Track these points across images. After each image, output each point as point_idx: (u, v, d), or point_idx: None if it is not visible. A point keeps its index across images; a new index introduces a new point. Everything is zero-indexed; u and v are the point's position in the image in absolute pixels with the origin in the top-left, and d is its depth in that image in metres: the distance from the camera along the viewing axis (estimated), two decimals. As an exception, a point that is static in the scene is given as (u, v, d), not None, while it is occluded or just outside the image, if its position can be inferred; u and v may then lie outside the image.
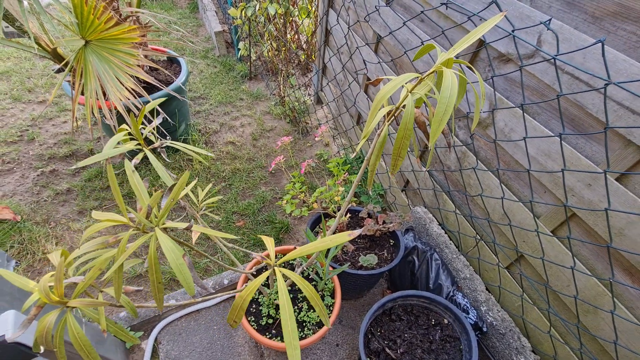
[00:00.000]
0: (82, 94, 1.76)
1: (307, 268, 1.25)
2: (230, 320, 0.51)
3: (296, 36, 3.20)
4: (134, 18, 1.22)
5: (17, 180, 2.00)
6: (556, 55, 0.79)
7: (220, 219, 1.92)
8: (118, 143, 0.71)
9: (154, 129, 0.77)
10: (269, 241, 0.65)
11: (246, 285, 0.54)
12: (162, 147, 0.77)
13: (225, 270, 1.59)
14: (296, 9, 2.87)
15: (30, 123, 2.34)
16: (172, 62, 2.23)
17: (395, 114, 0.62)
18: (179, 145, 0.77)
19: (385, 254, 1.39)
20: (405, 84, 0.55)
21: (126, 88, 1.21)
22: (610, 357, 0.95)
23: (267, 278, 1.21)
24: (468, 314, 1.23)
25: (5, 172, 2.03)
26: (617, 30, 0.81)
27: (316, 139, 1.42)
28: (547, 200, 1.03)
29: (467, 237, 1.38)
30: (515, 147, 1.07)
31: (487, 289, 1.29)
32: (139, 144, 0.72)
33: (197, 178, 2.11)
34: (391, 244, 1.43)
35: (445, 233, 1.45)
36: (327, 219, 1.43)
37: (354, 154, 1.64)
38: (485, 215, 1.24)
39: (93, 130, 2.36)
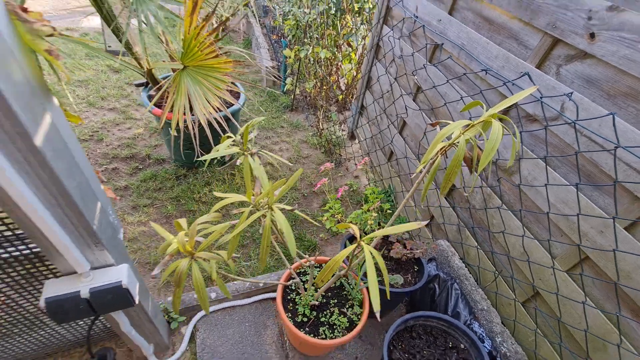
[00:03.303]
0: (159, 106, 2.05)
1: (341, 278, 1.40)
2: (318, 280, 0.67)
3: (337, 78, 3.55)
4: (224, 52, 1.51)
5: (84, 173, 2.26)
6: (576, 120, 0.98)
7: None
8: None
9: (249, 140, 0.99)
10: (355, 230, 0.82)
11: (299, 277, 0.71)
12: (256, 153, 0.98)
13: (265, 273, 1.75)
14: (340, 55, 3.24)
15: (101, 126, 2.67)
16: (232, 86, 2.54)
17: (447, 149, 0.82)
18: (268, 154, 0.98)
19: (410, 278, 1.52)
20: (459, 128, 0.75)
21: (211, 106, 1.47)
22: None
23: (296, 289, 1.36)
24: (483, 342, 1.33)
25: (75, 164, 2.31)
26: (628, 107, 1.00)
27: (358, 167, 1.62)
28: (564, 242, 1.17)
29: (487, 272, 1.50)
30: (537, 194, 1.24)
31: (502, 322, 1.39)
32: (241, 149, 0.93)
33: (238, 191, 2.33)
34: (415, 269, 1.56)
35: (466, 267, 1.57)
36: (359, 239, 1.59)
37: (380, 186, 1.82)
38: (505, 252, 1.38)
39: (154, 137, 2.66)
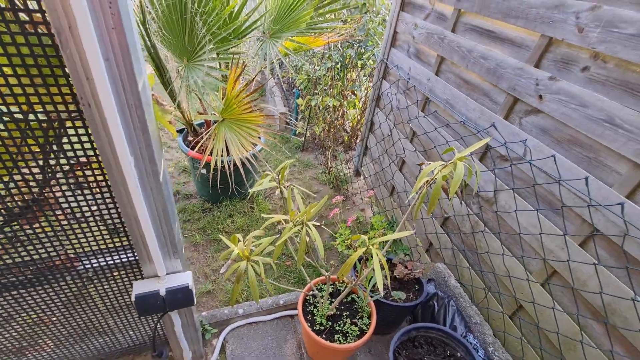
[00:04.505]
0: (193, 148, 2.41)
1: (350, 293, 1.63)
2: (339, 274, 0.93)
3: (343, 122, 3.97)
4: (258, 108, 1.88)
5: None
6: (530, 160, 1.28)
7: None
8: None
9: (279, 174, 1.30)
10: (365, 238, 1.09)
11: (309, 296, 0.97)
12: (289, 186, 1.28)
13: (284, 292, 1.97)
14: (346, 102, 3.67)
15: (136, 165, 3.03)
16: (252, 132, 2.93)
17: (430, 182, 1.12)
18: (297, 187, 1.28)
19: (411, 296, 1.74)
20: (438, 167, 1.06)
21: (245, 150, 1.81)
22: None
23: (313, 302, 1.59)
24: (478, 352, 1.52)
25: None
26: (572, 150, 1.30)
27: (365, 198, 1.91)
28: (537, 260, 1.42)
29: (479, 290, 1.72)
30: (513, 220, 1.51)
31: (494, 334, 1.59)
32: (278, 184, 1.23)
33: (257, 222, 2.61)
34: (416, 288, 1.79)
35: (461, 286, 1.80)
36: (366, 261, 1.83)
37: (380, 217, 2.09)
38: (491, 270, 1.62)
39: (182, 175, 3.00)
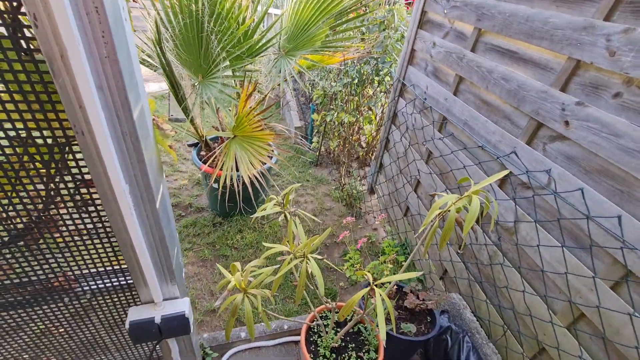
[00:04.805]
0: (205, 163, 2.42)
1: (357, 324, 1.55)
2: (340, 315, 0.87)
3: (358, 137, 3.91)
4: (268, 127, 1.87)
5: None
6: (555, 192, 1.18)
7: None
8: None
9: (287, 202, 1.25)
10: (369, 276, 1.02)
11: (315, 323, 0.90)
12: (294, 211, 1.23)
13: (290, 317, 1.90)
14: (362, 118, 3.62)
15: (151, 176, 3.08)
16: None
17: (443, 214, 1.04)
18: (303, 213, 1.23)
19: (423, 328, 1.64)
20: (451, 200, 0.98)
21: (254, 167, 1.79)
22: None
23: (317, 331, 1.51)
24: (494, 396, 1.40)
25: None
26: (602, 182, 1.19)
27: (377, 222, 1.84)
28: (562, 299, 1.30)
29: (497, 326, 1.60)
30: (535, 253, 1.40)
31: (513, 377, 1.46)
32: (282, 208, 1.19)
33: (266, 239, 2.57)
34: (428, 320, 1.68)
35: (477, 320, 1.68)
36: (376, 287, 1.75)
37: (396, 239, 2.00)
38: (511, 306, 1.50)
39: (196, 188, 3.01)
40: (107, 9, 0.56)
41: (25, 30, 0.59)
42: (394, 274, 1.81)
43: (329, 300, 1.15)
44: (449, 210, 1.00)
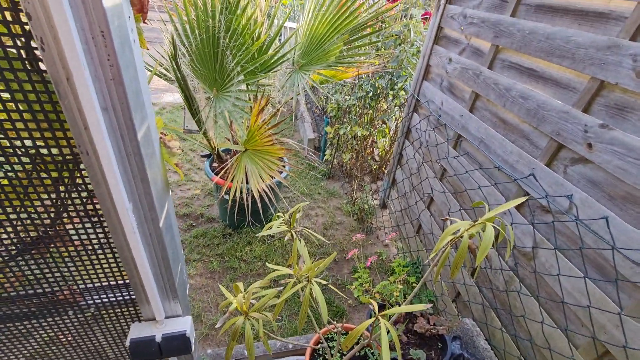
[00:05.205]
0: (217, 175, 2.43)
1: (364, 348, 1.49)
2: (344, 345, 0.83)
3: (371, 150, 3.88)
4: (279, 142, 1.87)
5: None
6: (577, 219, 1.11)
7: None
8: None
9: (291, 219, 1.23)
10: (375, 305, 0.98)
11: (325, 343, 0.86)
12: (300, 231, 1.20)
13: (294, 336, 1.86)
14: (375, 131, 3.60)
15: (165, 186, 3.12)
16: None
17: (455, 240, 0.99)
18: (310, 233, 1.20)
19: (433, 355, 1.56)
20: (464, 226, 0.94)
21: (263, 181, 1.79)
22: None
23: (323, 354, 1.46)
24: None
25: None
26: (628, 210, 1.12)
27: (386, 241, 1.79)
28: (584, 334, 1.21)
29: (512, 357, 1.50)
30: (555, 281, 1.31)
31: (530, 415, 1.37)
32: (289, 228, 1.16)
33: (275, 252, 2.54)
34: (439, 346, 1.60)
35: (492, 349, 1.59)
36: (383, 309, 1.68)
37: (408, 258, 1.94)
38: (529, 337, 1.41)
39: (207, 198, 3.04)
40: (114, 33, 0.56)
41: (35, 51, 0.60)
42: (404, 294, 1.75)
43: (335, 323, 1.11)
44: (461, 237, 0.95)
